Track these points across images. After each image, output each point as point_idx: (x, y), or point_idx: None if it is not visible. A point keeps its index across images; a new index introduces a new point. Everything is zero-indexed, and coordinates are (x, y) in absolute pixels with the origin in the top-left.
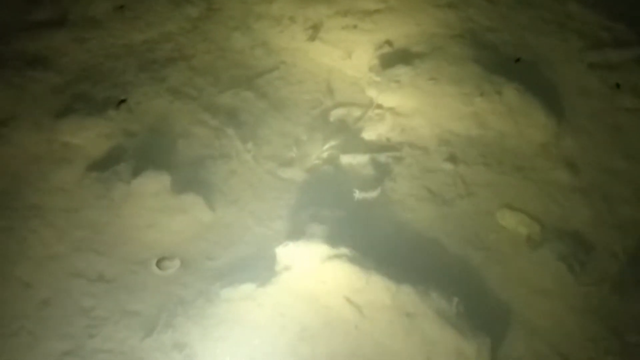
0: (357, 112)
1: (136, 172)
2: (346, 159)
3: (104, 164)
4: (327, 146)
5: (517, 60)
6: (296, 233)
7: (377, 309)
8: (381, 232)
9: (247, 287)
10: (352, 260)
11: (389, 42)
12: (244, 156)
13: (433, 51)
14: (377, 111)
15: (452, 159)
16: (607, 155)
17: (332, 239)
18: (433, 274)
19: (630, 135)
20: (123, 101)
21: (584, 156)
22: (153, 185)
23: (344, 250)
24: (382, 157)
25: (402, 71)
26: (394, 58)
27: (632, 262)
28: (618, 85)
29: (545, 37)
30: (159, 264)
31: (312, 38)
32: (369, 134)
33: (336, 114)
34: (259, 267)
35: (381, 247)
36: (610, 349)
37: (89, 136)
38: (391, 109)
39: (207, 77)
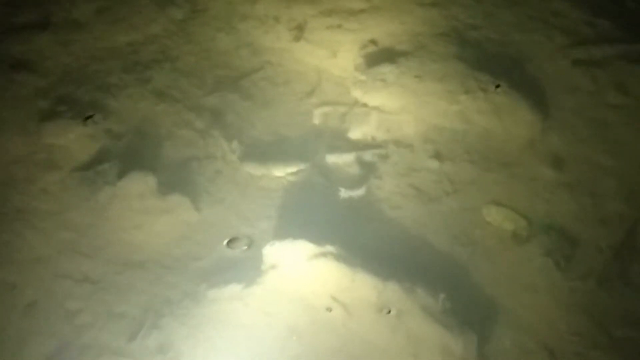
0: (342, 111)
1: (121, 174)
2: (332, 158)
3: (89, 166)
4: (312, 145)
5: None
6: (282, 232)
7: (363, 306)
8: (367, 230)
9: (234, 287)
10: (338, 258)
11: (373, 41)
12: (229, 157)
13: (418, 49)
14: (363, 110)
15: (438, 156)
16: (593, 151)
17: (318, 238)
18: (419, 271)
19: (615, 131)
20: (90, 117)
21: (569, 152)
22: (138, 186)
23: (329, 248)
24: (368, 156)
25: (387, 70)
26: (379, 57)
27: (618, 256)
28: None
29: (530, 34)
30: (229, 244)
31: (297, 38)
32: (355, 133)
33: (321, 113)
34: (245, 267)
35: (367, 245)
36: (597, 343)
37: (73, 139)
38: (376, 108)
39: (192, 78)
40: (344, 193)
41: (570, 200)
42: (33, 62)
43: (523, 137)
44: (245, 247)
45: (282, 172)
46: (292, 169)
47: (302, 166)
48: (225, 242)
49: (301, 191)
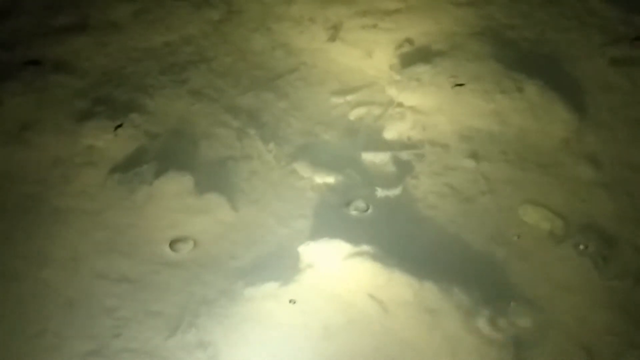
0: (377, 111)
1: (158, 174)
2: (367, 157)
3: (127, 166)
4: (348, 145)
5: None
6: (318, 231)
7: (399, 305)
8: (403, 229)
9: (270, 286)
10: (374, 257)
11: (409, 41)
12: (265, 156)
13: (453, 49)
14: (398, 109)
15: (474, 155)
16: (630, 150)
17: (354, 237)
18: (455, 271)
19: None
20: (120, 125)
21: (606, 151)
22: (175, 186)
23: (366, 248)
24: (404, 155)
25: (422, 69)
26: (414, 57)
27: None
28: None
29: (566, 33)
30: (349, 205)
31: (332, 38)
32: (390, 133)
33: (357, 113)
34: (282, 266)
35: (403, 244)
36: (636, 343)
37: (111, 139)
38: (412, 107)
39: (228, 78)
40: (379, 192)
41: (607, 199)
42: (71, 63)
43: (559, 137)
44: (363, 210)
45: (318, 171)
46: (330, 179)
47: (339, 177)
48: (346, 205)
49: (336, 190)
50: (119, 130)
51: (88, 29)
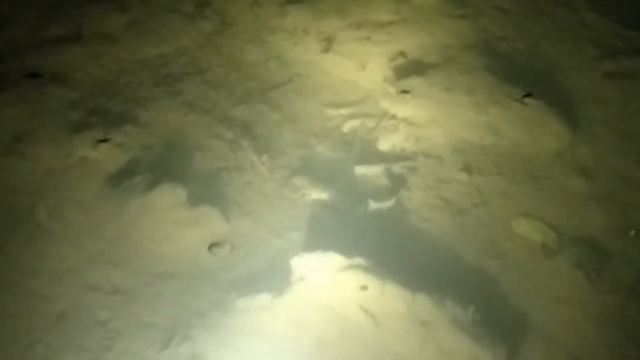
0: (371, 123)
1: (152, 186)
2: (361, 170)
3: (120, 178)
4: (341, 158)
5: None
6: (311, 244)
7: (392, 318)
8: (396, 242)
9: (263, 298)
10: (367, 270)
11: (402, 53)
12: (259, 168)
13: (446, 61)
14: (391, 122)
15: (467, 168)
16: (623, 163)
17: (347, 249)
18: (448, 283)
19: None
20: (104, 140)
21: (599, 164)
22: (169, 198)
23: (359, 260)
24: (397, 167)
25: (415, 82)
26: (408, 69)
27: None
28: None
29: (560, 45)
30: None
31: (326, 50)
32: (384, 145)
33: (350, 125)
34: (275, 278)
35: (396, 256)
36: (627, 355)
37: (104, 150)
38: (405, 119)
39: (222, 90)
40: (373, 205)
41: (601, 212)
42: (65, 74)
43: (552, 149)
44: None
45: (312, 183)
46: (324, 191)
47: (333, 189)
48: None
49: (330, 203)
50: (103, 144)
51: (81, 40)
